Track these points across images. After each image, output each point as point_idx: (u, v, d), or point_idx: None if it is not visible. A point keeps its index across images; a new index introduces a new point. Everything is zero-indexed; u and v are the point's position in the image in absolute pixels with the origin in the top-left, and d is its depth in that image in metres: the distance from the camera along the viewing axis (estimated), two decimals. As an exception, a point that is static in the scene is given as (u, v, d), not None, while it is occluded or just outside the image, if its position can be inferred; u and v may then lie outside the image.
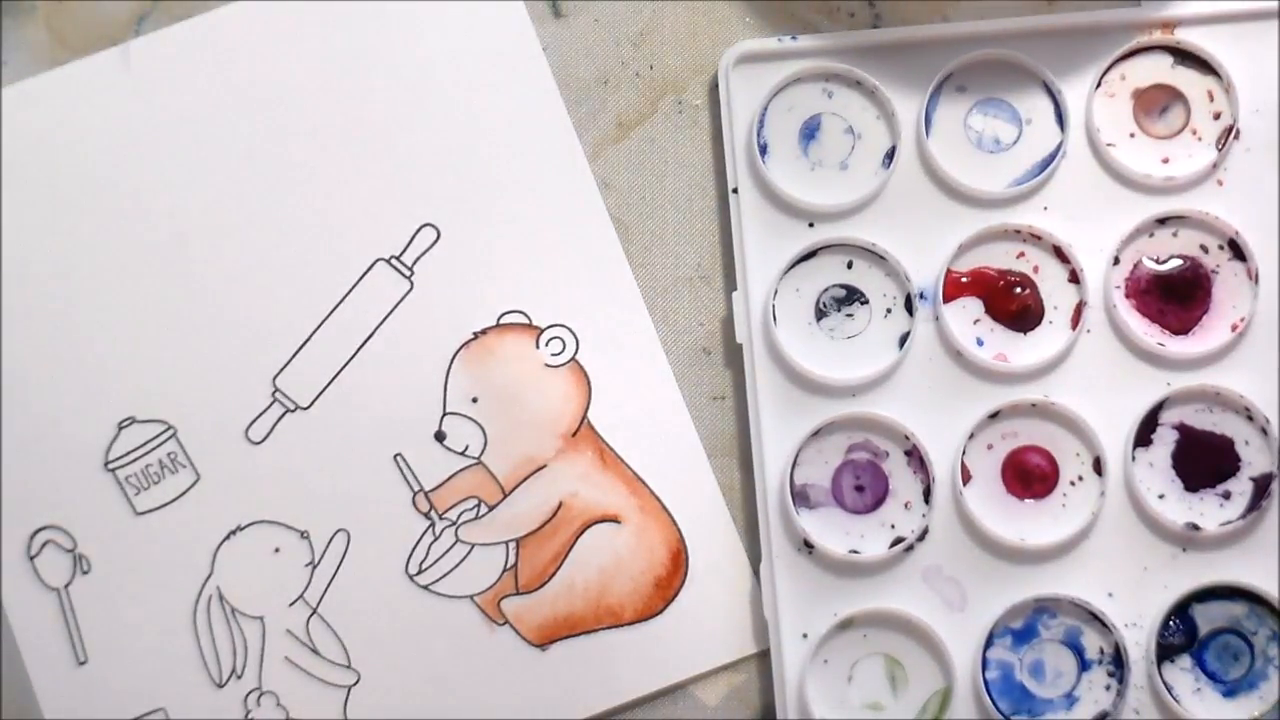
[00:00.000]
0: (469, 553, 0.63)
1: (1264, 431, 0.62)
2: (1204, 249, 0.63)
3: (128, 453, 0.62)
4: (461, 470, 0.63)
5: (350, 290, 0.63)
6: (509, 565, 0.63)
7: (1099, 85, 0.63)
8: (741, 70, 0.63)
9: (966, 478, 0.62)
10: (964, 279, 0.63)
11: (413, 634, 0.62)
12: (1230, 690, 0.61)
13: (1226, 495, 0.62)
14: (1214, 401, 0.62)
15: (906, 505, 0.62)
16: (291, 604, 0.62)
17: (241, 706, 0.62)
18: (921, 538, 0.62)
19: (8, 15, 0.64)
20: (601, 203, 0.64)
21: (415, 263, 0.63)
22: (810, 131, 0.63)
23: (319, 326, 0.63)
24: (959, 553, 0.62)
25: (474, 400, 0.63)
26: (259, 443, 0.63)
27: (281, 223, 0.63)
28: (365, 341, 0.63)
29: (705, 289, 0.64)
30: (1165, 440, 0.62)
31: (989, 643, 0.61)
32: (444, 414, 0.63)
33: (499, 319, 0.63)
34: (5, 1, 0.64)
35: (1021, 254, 0.63)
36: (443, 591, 0.62)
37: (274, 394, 0.63)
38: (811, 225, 0.63)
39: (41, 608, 0.62)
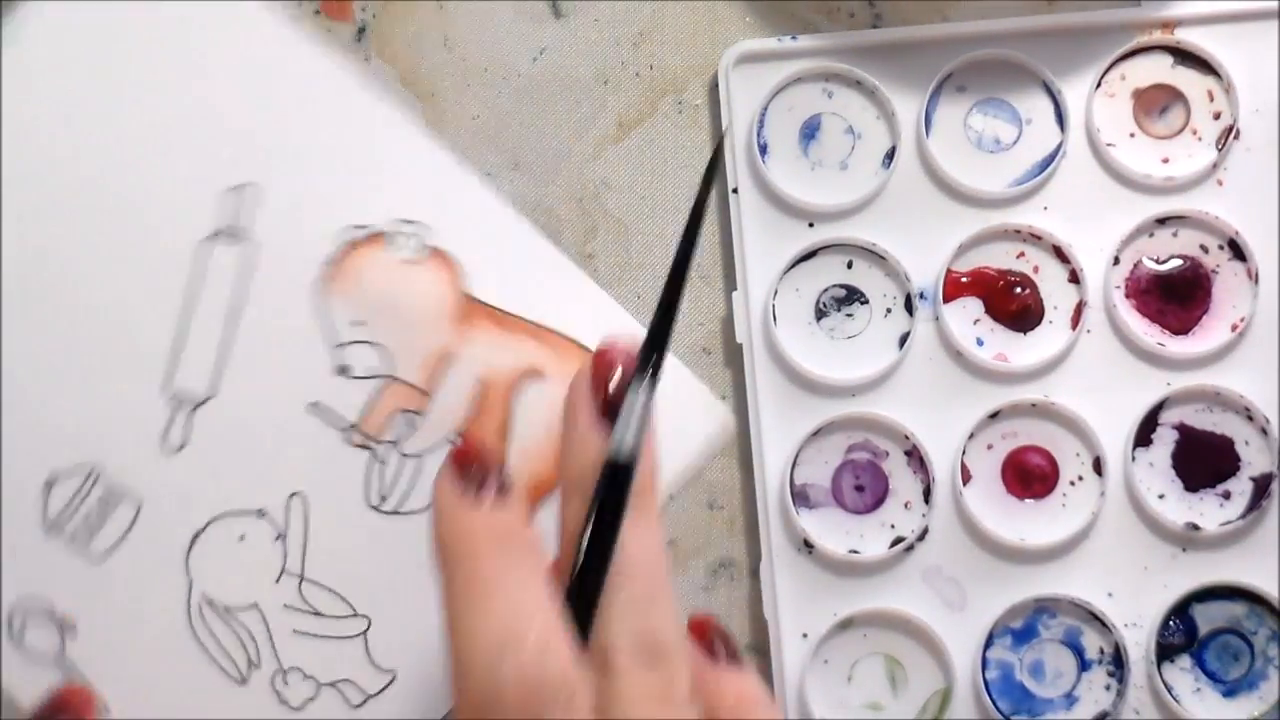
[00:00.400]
0: (420, 464, 0.62)
1: (1264, 431, 0.62)
2: (1204, 249, 0.63)
3: (63, 509, 0.62)
4: (379, 392, 0.63)
5: (201, 271, 0.63)
6: None
7: (1099, 85, 0.63)
8: (741, 70, 0.63)
9: (966, 478, 0.62)
10: (964, 279, 0.63)
11: (400, 561, 0.62)
12: (1230, 690, 0.61)
13: (1226, 495, 0.62)
14: (1214, 401, 0.62)
15: (906, 505, 0.62)
16: (277, 580, 0.62)
17: (270, 691, 0.62)
18: (921, 538, 0.62)
19: (8, 15, 0.64)
20: (402, 94, 0.64)
21: (246, 222, 0.62)
22: (810, 131, 0.63)
23: (190, 315, 0.62)
24: (959, 553, 0.62)
25: (357, 323, 0.62)
26: (182, 447, 0.62)
27: (119, 225, 0.63)
28: (237, 312, 0.63)
29: (705, 289, 0.64)
30: (1165, 440, 0.62)
31: (989, 642, 0.61)
32: (336, 347, 0.63)
33: (344, 242, 0.63)
34: (5, 1, 0.64)
35: (1021, 254, 0.63)
36: (411, 509, 0.62)
37: (174, 395, 0.62)
38: (811, 225, 0.63)
39: (45, 678, 0.62)
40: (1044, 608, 0.62)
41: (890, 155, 0.63)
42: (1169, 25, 0.63)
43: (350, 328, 0.63)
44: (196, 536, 0.62)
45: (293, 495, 0.62)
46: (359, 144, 0.64)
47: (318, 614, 0.62)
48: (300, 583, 0.62)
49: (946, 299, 0.62)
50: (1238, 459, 0.62)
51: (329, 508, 0.62)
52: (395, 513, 0.62)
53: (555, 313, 0.63)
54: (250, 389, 0.63)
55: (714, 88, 0.64)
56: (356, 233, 0.63)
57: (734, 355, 0.63)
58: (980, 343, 0.62)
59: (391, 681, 0.62)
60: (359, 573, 0.62)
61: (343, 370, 0.62)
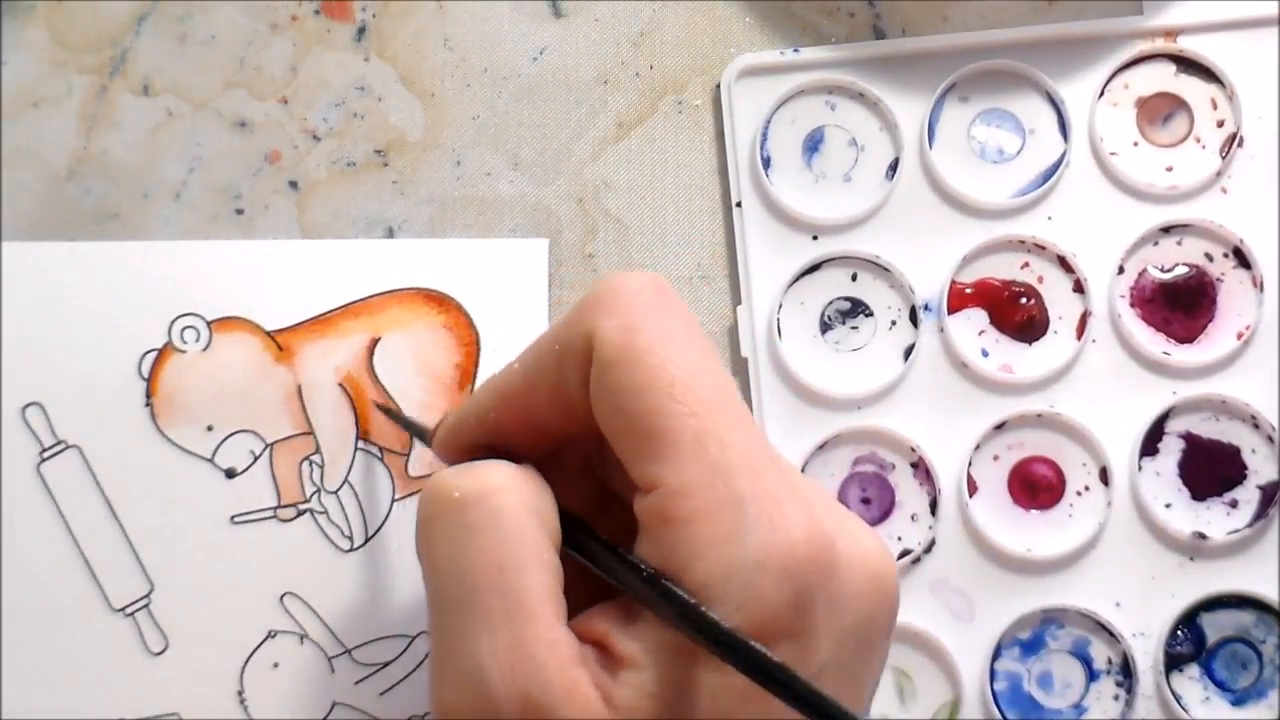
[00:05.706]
0: (350, 490, 0.63)
1: (1270, 439, 0.62)
2: (1208, 257, 0.63)
3: None
4: (270, 462, 0.62)
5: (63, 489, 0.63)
6: (379, 454, 0.63)
7: (1102, 94, 0.63)
8: (744, 84, 0.63)
9: (973, 489, 0.62)
10: (968, 290, 0.63)
11: (400, 577, 0.62)
12: (1238, 699, 0.62)
13: (1233, 504, 0.62)
14: (1220, 410, 0.62)
15: (913, 517, 0.62)
16: (332, 671, 0.62)
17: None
18: (928, 549, 0.62)
19: (8, 15, 0.64)
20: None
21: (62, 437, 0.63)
22: (813, 144, 0.63)
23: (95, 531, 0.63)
24: (966, 564, 0.62)
25: (209, 429, 0.62)
26: (165, 649, 0.62)
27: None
28: (108, 512, 0.62)
29: (706, 289, 0.64)
30: (1171, 449, 0.62)
31: (997, 654, 0.62)
32: (210, 460, 0.62)
33: (145, 376, 0.63)
34: (5, 1, 0.64)
35: (1026, 264, 0.63)
36: (379, 529, 0.62)
37: (121, 611, 0.62)
38: (815, 238, 0.63)
39: None
40: (1052, 618, 0.62)
41: (894, 167, 0.63)
42: (1171, 33, 0.63)
43: (206, 436, 0.62)
44: (243, 679, 0.62)
45: (283, 596, 0.62)
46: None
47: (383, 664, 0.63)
48: (349, 656, 0.62)
49: (951, 310, 0.62)
50: (1244, 467, 0.62)
51: (315, 579, 0.62)
52: (367, 541, 0.62)
53: (335, 290, 0.63)
54: (170, 546, 0.62)
55: (714, 87, 0.64)
56: (148, 356, 0.62)
57: (739, 369, 0.63)
58: (985, 354, 0.62)
59: None
60: (375, 606, 0.62)
61: (230, 473, 0.62)
